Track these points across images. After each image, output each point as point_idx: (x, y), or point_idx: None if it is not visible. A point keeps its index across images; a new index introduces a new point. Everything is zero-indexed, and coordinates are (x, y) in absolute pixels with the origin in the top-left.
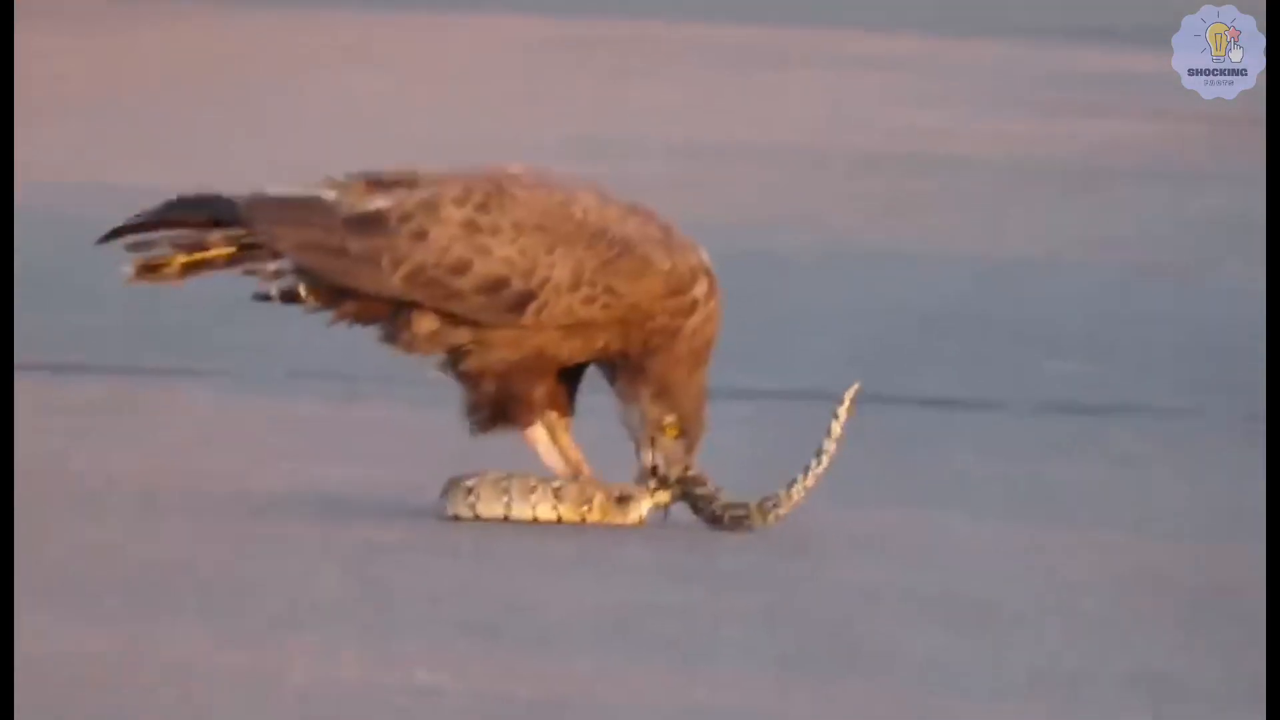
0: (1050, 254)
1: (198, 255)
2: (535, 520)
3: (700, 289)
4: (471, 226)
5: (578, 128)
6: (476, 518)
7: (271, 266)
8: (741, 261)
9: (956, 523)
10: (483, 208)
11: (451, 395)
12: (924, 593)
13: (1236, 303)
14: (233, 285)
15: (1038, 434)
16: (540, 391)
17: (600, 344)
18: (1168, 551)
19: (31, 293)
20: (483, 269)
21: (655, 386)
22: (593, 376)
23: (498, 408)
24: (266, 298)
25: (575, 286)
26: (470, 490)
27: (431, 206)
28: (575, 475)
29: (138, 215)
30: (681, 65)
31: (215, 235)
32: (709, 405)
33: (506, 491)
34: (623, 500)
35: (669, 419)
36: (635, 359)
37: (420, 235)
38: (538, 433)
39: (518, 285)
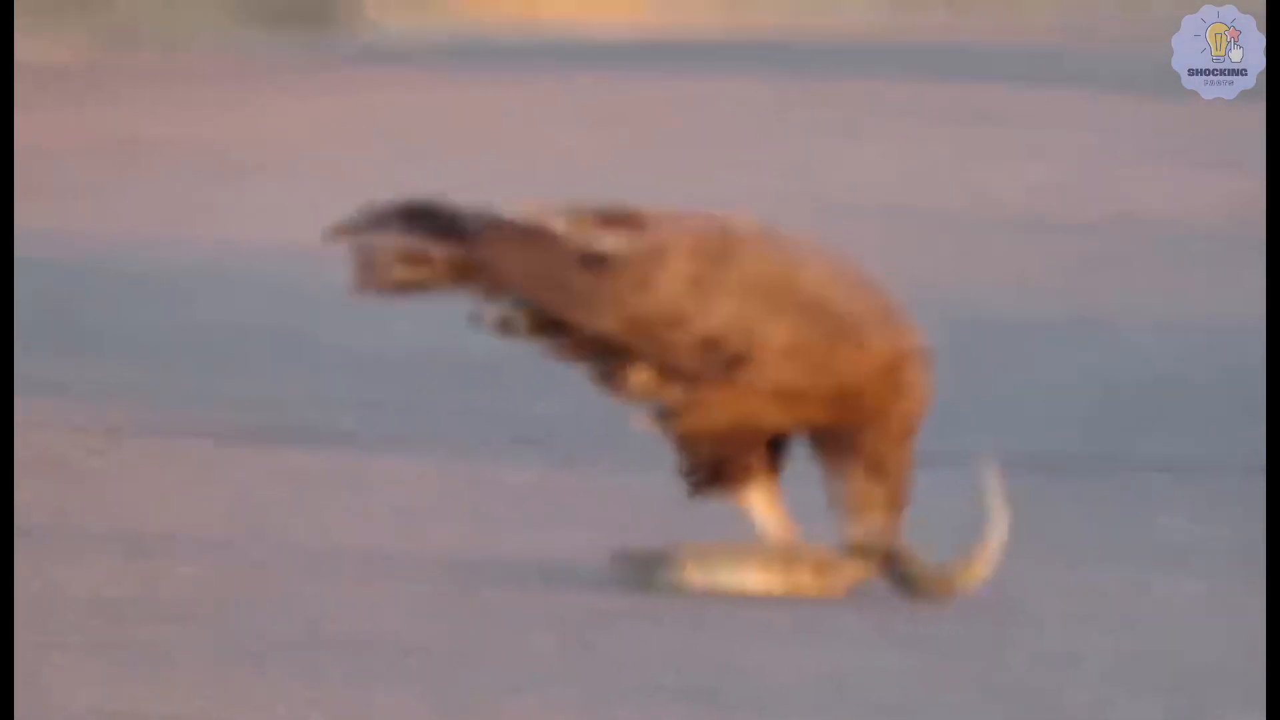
0: (1265, 316)
1: (419, 271)
2: (749, 589)
3: (912, 373)
4: (696, 281)
5: (793, 186)
6: (690, 587)
7: (491, 291)
8: (953, 325)
9: (1170, 587)
10: (710, 262)
11: (669, 460)
12: (1136, 659)
13: None
14: (451, 351)
15: (1253, 497)
16: (754, 455)
17: (808, 415)
18: None
19: (254, 355)
20: (701, 325)
21: (864, 460)
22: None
23: (713, 470)
24: (481, 320)
25: (788, 356)
26: (677, 561)
27: (659, 254)
28: (788, 544)
29: (363, 215)
30: (902, 124)
31: (438, 250)
32: (917, 470)
33: (716, 560)
34: (829, 569)
35: (877, 494)
36: (844, 432)
37: (644, 283)
38: (753, 498)
39: (733, 345)
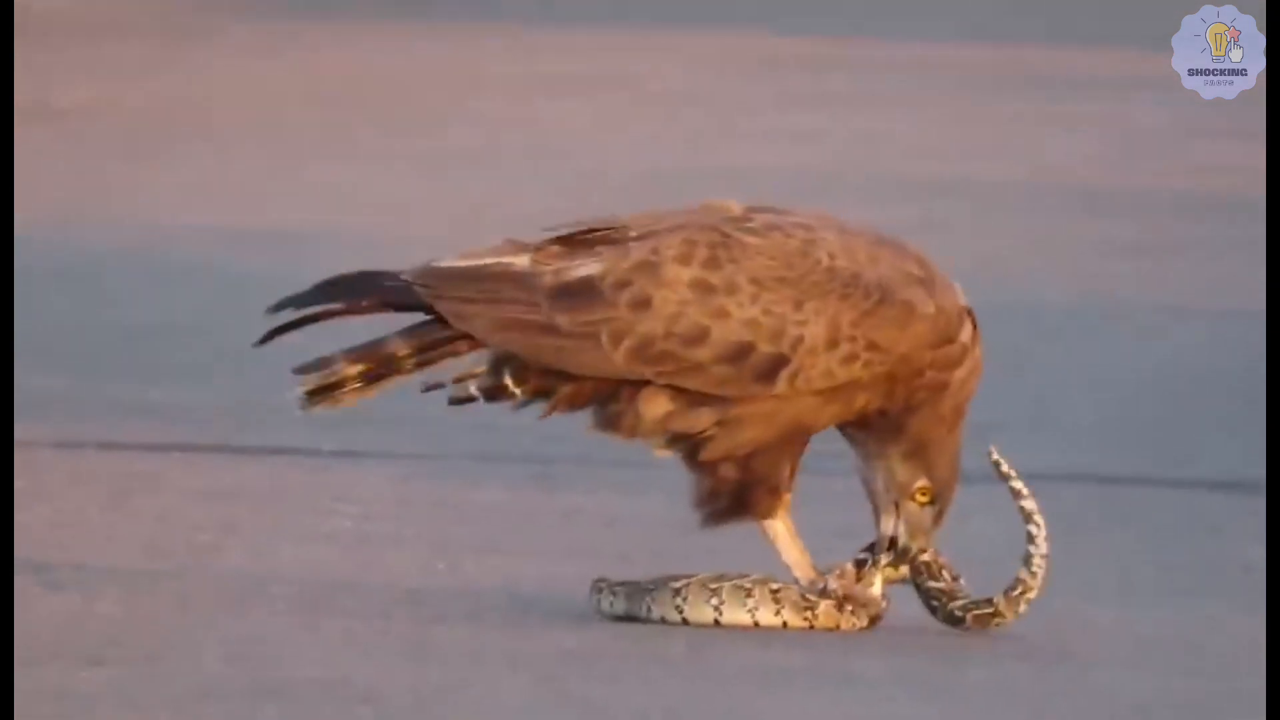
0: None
1: (375, 361)
2: (756, 626)
3: (966, 333)
4: (703, 287)
5: (808, 160)
6: (685, 622)
7: (467, 359)
8: (995, 316)
9: (1241, 622)
10: (712, 263)
11: (659, 479)
12: (1203, 705)
13: None
14: None
15: None
16: (786, 472)
17: (861, 404)
18: None
19: (185, 358)
20: (722, 335)
21: (910, 445)
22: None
23: (739, 496)
24: (467, 400)
25: (833, 345)
26: (678, 591)
27: (651, 268)
28: (814, 575)
29: (290, 302)
30: (934, 90)
31: (393, 341)
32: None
33: (717, 594)
34: (852, 602)
35: (920, 482)
36: (894, 416)
37: (643, 303)
38: (778, 526)
39: (766, 350)
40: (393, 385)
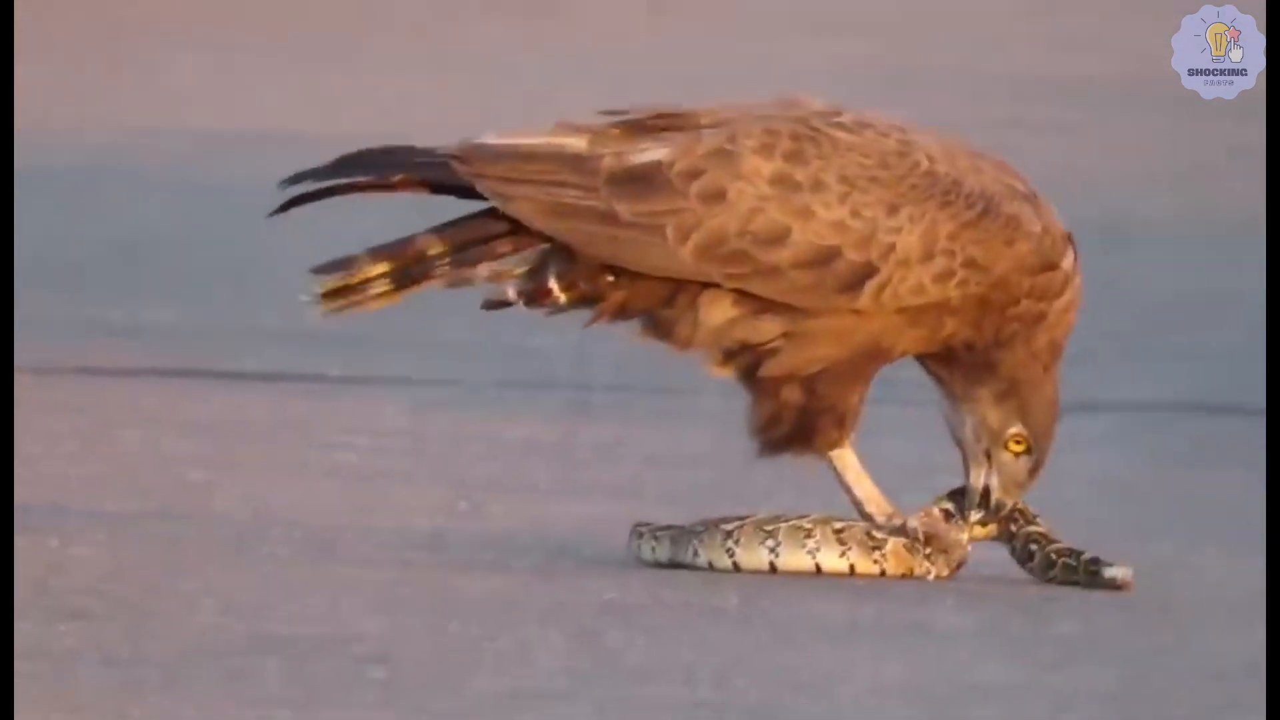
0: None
1: (404, 260)
2: (818, 571)
3: (1069, 260)
4: (786, 182)
5: (861, 51)
6: (736, 568)
7: (507, 252)
8: (1090, 233)
9: None
10: (797, 157)
11: (709, 409)
12: None
13: None
14: None
15: None
16: (857, 399)
17: (948, 331)
18: None
19: (171, 274)
20: (805, 237)
21: (1002, 386)
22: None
23: (802, 423)
24: (502, 304)
25: (928, 257)
26: (730, 534)
27: (727, 157)
28: (890, 510)
29: (310, 174)
30: None
31: (424, 238)
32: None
33: (773, 535)
34: (934, 544)
35: (1014, 429)
36: (982, 351)
37: (716, 195)
38: (847, 457)
39: (852, 257)
40: (423, 289)
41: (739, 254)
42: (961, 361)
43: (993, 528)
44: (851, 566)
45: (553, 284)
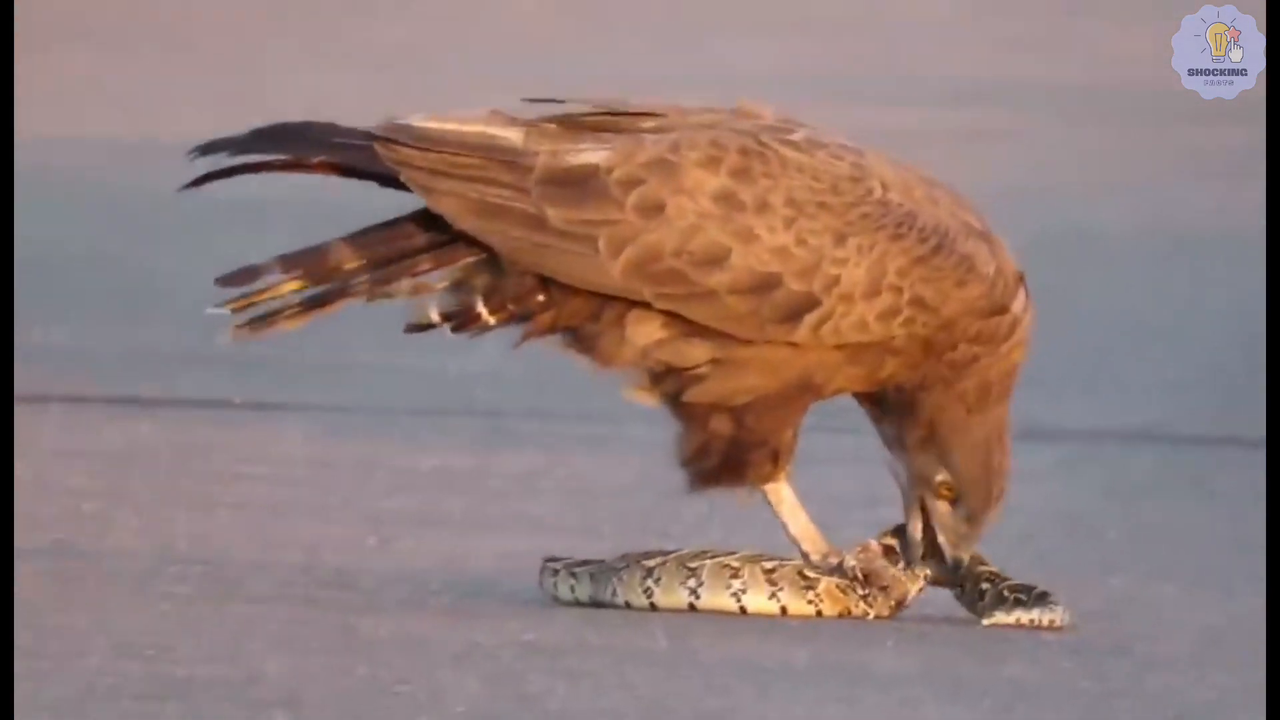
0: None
1: (316, 273)
2: (742, 612)
3: (1019, 303)
4: (729, 200)
5: (814, 59)
6: (652, 608)
7: (429, 269)
8: (1049, 246)
9: None
10: (742, 174)
11: (634, 438)
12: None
13: None
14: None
15: None
16: (791, 433)
17: (887, 372)
18: None
19: (71, 293)
20: (745, 261)
21: (922, 431)
22: None
23: (733, 455)
24: (426, 327)
25: (874, 293)
26: (650, 572)
27: (668, 168)
28: (826, 549)
29: (224, 145)
30: None
31: (338, 248)
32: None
33: (696, 574)
34: (873, 584)
35: (940, 476)
36: (908, 393)
37: (654, 208)
38: (782, 491)
39: (794, 286)
40: (340, 309)
41: (673, 273)
42: (890, 403)
43: (935, 572)
44: (783, 608)
45: (480, 307)
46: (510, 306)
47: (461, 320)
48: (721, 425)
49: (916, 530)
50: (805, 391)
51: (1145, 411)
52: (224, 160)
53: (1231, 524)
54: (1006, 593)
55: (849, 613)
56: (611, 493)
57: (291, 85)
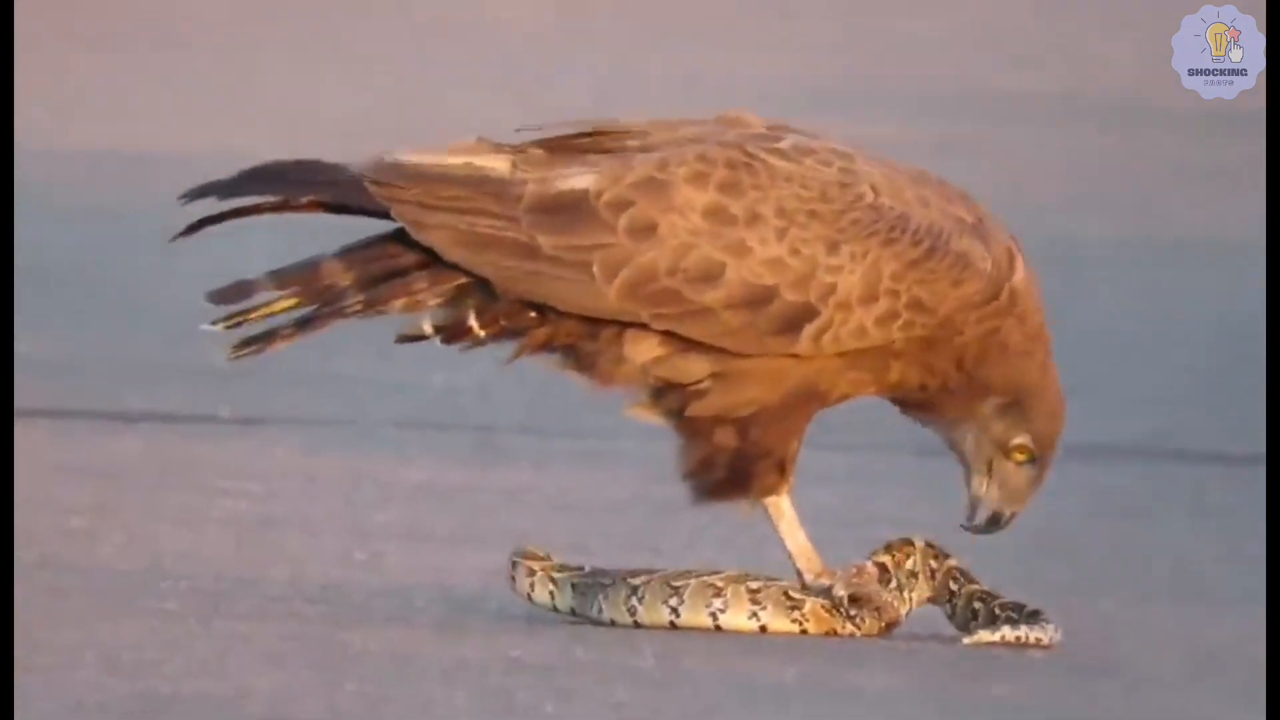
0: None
1: (309, 290)
2: (718, 629)
3: (1019, 276)
4: (720, 215)
5: (795, 70)
6: (637, 626)
7: (423, 288)
8: (1033, 257)
9: None
10: (732, 187)
11: (624, 452)
12: None
13: None
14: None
15: None
16: (795, 444)
17: (895, 377)
18: None
19: (59, 304)
20: (739, 275)
21: (1003, 398)
22: None
23: (738, 468)
24: (418, 338)
25: (870, 299)
26: (635, 590)
27: (657, 187)
28: (820, 570)
29: (213, 189)
30: None
31: (330, 265)
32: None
33: (679, 593)
34: (856, 603)
35: (1018, 440)
36: (969, 374)
37: (646, 229)
38: (783, 505)
39: (790, 298)
40: (331, 327)
41: (669, 293)
42: (951, 392)
43: (929, 591)
44: (763, 627)
45: (472, 321)
46: (503, 322)
47: (453, 333)
48: (725, 438)
49: (981, 489)
50: (810, 400)
51: (1133, 426)
52: (215, 205)
53: (1222, 541)
54: (998, 610)
55: (834, 632)
56: (601, 508)
57: (285, 94)
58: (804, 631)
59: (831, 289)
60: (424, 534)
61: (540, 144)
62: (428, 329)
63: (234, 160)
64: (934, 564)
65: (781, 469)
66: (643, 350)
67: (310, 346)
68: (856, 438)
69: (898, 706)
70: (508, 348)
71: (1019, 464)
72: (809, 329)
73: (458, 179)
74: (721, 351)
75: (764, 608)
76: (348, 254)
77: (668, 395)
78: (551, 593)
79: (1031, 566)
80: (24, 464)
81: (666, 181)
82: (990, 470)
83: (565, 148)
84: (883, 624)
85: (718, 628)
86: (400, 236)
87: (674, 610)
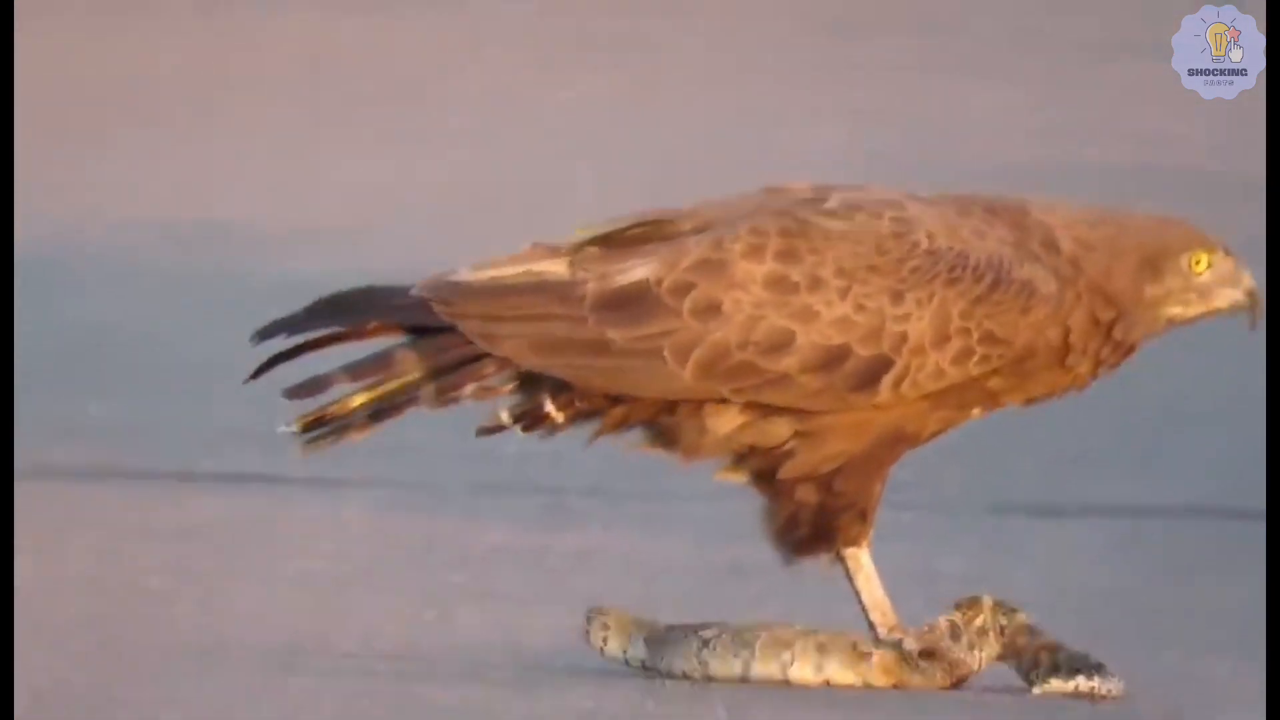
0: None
1: (387, 387)
2: (787, 683)
3: (1050, 286)
4: (781, 284)
5: (858, 139)
6: (708, 679)
7: (493, 372)
8: None
9: None
10: (789, 255)
11: (689, 514)
12: None
13: None
14: None
15: None
16: (879, 490)
17: (976, 408)
18: None
19: (123, 370)
20: (810, 339)
21: (1136, 289)
22: None
23: (821, 523)
24: (497, 429)
25: (943, 340)
26: (706, 643)
27: (716, 266)
28: (894, 624)
29: (282, 326)
30: (1010, 57)
31: (402, 355)
32: (1040, 525)
33: (749, 646)
34: (928, 657)
35: (1184, 261)
36: (1099, 326)
37: (711, 309)
38: (862, 558)
39: (863, 353)
40: (404, 415)
41: (744, 366)
42: (1115, 340)
43: (999, 648)
44: (827, 681)
45: (549, 407)
46: (579, 404)
47: (531, 421)
48: (808, 495)
49: (1221, 299)
50: (896, 443)
51: (1195, 488)
52: (285, 341)
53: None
54: (1062, 661)
55: (902, 685)
56: (670, 569)
57: (339, 165)
58: (869, 685)
59: (903, 337)
60: (495, 595)
61: (594, 240)
62: (506, 419)
63: (300, 234)
64: (1003, 620)
65: (864, 517)
66: (725, 421)
67: None
68: (922, 497)
69: None
70: (587, 430)
71: (1201, 272)
72: (887, 379)
73: (520, 287)
74: (803, 410)
75: (832, 660)
76: (418, 344)
77: (753, 459)
78: (624, 647)
79: (1098, 622)
80: (100, 524)
81: (723, 260)
82: (1204, 292)
83: (618, 241)
84: (953, 679)
85: (787, 681)
86: None
87: (745, 663)
